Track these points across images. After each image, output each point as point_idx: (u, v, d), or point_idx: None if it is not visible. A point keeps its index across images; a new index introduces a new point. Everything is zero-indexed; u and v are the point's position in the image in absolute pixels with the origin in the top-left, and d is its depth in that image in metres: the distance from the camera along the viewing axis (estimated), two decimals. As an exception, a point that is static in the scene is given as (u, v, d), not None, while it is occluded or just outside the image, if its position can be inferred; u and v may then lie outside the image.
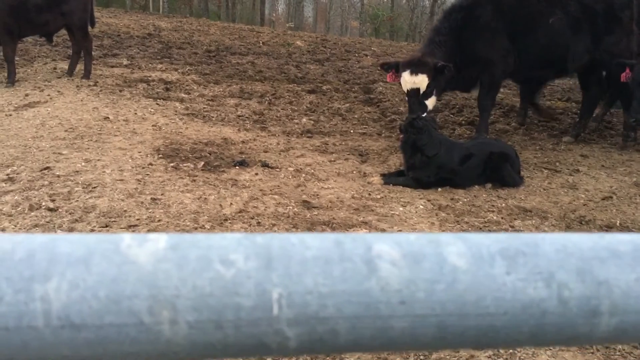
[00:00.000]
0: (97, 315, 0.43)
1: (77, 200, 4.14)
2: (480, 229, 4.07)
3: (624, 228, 4.17)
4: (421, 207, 4.45)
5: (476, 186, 4.94)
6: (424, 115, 5.49)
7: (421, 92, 5.70)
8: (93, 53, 9.49)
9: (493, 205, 4.52)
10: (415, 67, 5.67)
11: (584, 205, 4.61)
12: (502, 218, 4.28)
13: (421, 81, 5.65)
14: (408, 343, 0.48)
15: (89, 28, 8.15)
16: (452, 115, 7.53)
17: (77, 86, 7.46)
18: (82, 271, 0.43)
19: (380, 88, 8.64)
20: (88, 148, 5.23)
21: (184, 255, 0.46)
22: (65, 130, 5.70)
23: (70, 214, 3.94)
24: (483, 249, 0.50)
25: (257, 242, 0.47)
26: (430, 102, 5.82)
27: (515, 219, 4.26)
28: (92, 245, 0.45)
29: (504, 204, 4.56)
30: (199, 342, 0.45)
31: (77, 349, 0.43)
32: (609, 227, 4.18)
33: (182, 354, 0.45)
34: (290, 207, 4.27)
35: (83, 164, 4.83)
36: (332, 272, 0.47)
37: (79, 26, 7.92)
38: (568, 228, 4.16)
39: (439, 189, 4.85)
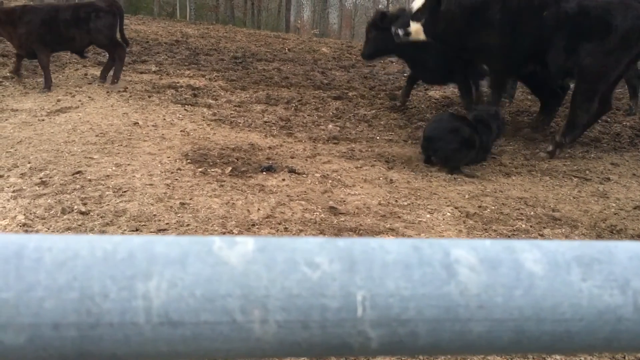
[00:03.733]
0: (194, 313, 0.45)
1: (108, 204, 4.21)
2: (509, 237, 4.03)
3: (658, 238, 4.09)
4: (448, 214, 4.42)
5: (504, 191, 4.90)
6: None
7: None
8: (123, 59, 9.65)
9: (522, 214, 4.48)
10: None
11: (615, 214, 4.53)
12: (530, 226, 4.23)
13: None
14: (485, 347, 0.49)
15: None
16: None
17: (107, 92, 7.60)
18: (179, 271, 0.45)
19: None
20: (118, 153, 5.33)
21: (272, 257, 0.47)
22: (96, 135, 5.81)
23: (101, 217, 4.01)
24: (558, 256, 0.51)
25: (339, 246, 0.49)
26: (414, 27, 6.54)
27: (544, 228, 4.21)
28: (186, 246, 0.47)
29: (532, 212, 4.51)
30: (287, 341, 0.46)
31: (174, 345, 0.45)
32: (641, 237, 4.11)
33: (270, 352, 0.46)
34: (317, 213, 4.29)
35: (113, 168, 4.91)
36: (412, 276, 0.48)
37: (105, 44, 8.10)
38: (599, 237, 4.09)
39: (467, 196, 4.82)
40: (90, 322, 0.43)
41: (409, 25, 6.61)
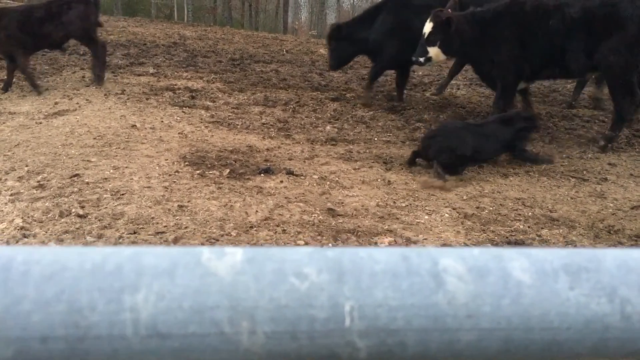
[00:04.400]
0: (182, 325, 0.45)
1: (106, 207, 4.21)
2: (507, 237, 4.04)
3: (655, 238, 4.10)
4: (446, 215, 4.42)
5: (502, 191, 4.90)
6: None
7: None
8: (120, 62, 9.65)
9: (519, 214, 4.48)
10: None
11: (613, 214, 4.54)
12: (528, 227, 4.23)
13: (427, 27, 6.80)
14: (474, 356, 0.49)
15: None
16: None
17: (105, 94, 7.60)
18: (168, 282, 0.45)
19: (404, 96, 8.63)
20: (116, 155, 5.32)
21: (260, 268, 0.47)
22: (94, 138, 5.80)
23: (99, 220, 4.01)
24: (546, 265, 0.51)
25: (328, 256, 0.49)
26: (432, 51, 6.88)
27: (542, 228, 4.21)
28: (175, 257, 0.47)
29: (530, 213, 4.51)
30: (275, 352, 0.46)
31: (162, 357, 0.45)
32: (638, 237, 4.11)
33: (258, 363, 0.47)
34: (316, 215, 4.29)
35: (111, 171, 4.91)
36: (400, 286, 0.48)
37: (81, 35, 7.99)
38: (597, 238, 4.10)
39: (465, 197, 4.82)
40: (78, 335, 0.43)
41: (427, 51, 6.94)
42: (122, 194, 4.45)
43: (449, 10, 6.88)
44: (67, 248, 0.47)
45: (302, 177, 5.12)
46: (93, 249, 0.47)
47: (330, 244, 3.86)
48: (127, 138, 5.86)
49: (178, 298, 0.45)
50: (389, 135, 6.79)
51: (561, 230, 4.17)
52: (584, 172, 5.65)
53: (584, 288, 0.50)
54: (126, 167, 5.00)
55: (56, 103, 7.11)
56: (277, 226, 4.07)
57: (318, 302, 0.47)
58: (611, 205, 4.73)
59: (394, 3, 8.04)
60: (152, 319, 0.44)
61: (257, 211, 4.30)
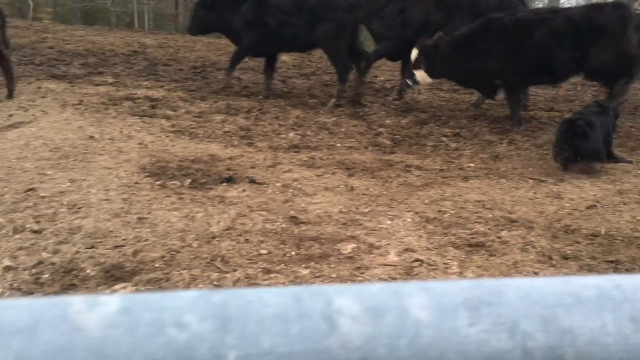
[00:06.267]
0: None
1: (62, 222, 4.10)
2: (468, 240, 4.08)
3: (609, 236, 4.20)
4: (409, 220, 4.45)
5: (466, 195, 4.96)
6: None
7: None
8: (78, 71, 9.45)
9: (480, 217, 4.54)
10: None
11: (569, 214, 4.63)
12: (489, 229, 4.29)
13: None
14: (369, 401, 0.47)
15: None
16: (437, 127, 7.57)
17: (62, 105, 7.41)
18: (27, 341, 0.42)
19: (367, 101, 8.67)
20: (73, 168, 5.19)
21: (136, 318, 0.44)
22: (50, 150, 5.65)
23: (55, 235, 3.90)
24: (446, 300, 0.49)
25: (213, 301, 0.46)
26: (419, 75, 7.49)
27: (502, 230, 4.27)
28: (39, 311, 0.43)
29: (490, 215, 4.57)
30: None
31: None
32: (594, 236, 4.21)
33: None
34: (278, 223, 4.26)
35: (68, 184, 4.79)
36: (290, 331, 0.45)
37: None
38: (554, 237, 4.17)
39: (426, 201, 4.86)
40: None
41: (413, 74, 7.60)
42: (79, 208, 4.34)
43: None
44: None
45: (264, 185, 5.09)
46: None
47: (293, 252, 3.84)
48: (85, 150, 5.72)
49: (38, 358, 0.42)
50: (352, 141, 6.81)
51: (520, 232, 4.24)
52: (541, 173, 5.76)
53: (485, 323, 0.48)
54: (83, 180, 4.89)
55: (10, 115, 6.90)
56: (240, 236, 4.03)
57: (198, 354, 0.44)
58: (567, 205, 4.83)
59: None
60: (10, 383, 0.41)
61: (219, 221, 4.25)
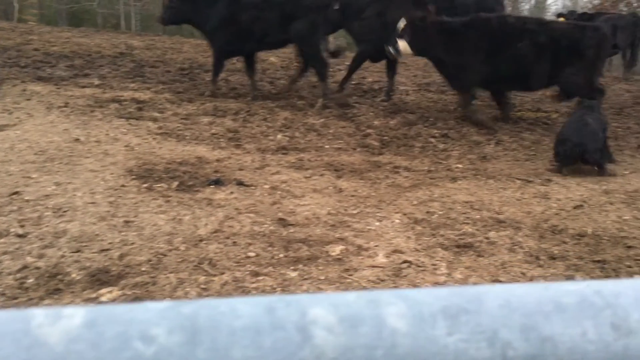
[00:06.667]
0: None
1: (47, 225, 4.05)
2: (456, 241, 4.09)
3: (596, 236, 4.22)
4: (397, 221, 4.45)
5: (453, 196, 4.97)
6: None
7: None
8: (64, 73, 9.37)
9: (468, 217, 4.55)
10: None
11: (556, 214, 4.66)
12: (477, 230, 4.30)
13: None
14: (344, 414, 0.45)
15: None
16: (425, 128, 7.58)
17: (47, 108, 7.34)
18: None
19: (355, 103, 8.68)
20: (58, 171, 5.14)
21: (100, 332, 0.42)
22: (35, 154, 5.58)
23: (40, 239, 3.86)
24: (424, 308, 0.48)
25: (182, 312, 0.44)
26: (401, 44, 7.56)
27: (490, 230, 4.28)
28: (1, 325, 0.41)
29: (478, 216, 4.58)
30: None
31: None
32: (581, 236, 4.23)
33: None
34: (266, 226, 4.24)
35: (53, 187, 4.73)
36: (263, 343, 0.44)
37: None
38: (541, 238, 4.19)
39: (415, 203, 4.86)
40: None
41: (396, 43, 7.64)
42: (65, 211, 4.30)
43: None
44: None
45: (252, 187, 5.06)
46: None
47: (281, 254, 3.82)
48: (71, 152, 5.66)
49: (-4, 375, 0.40)
50: (340, 143, 6.80)
51: (508, 232, 4.25)
52: (529, 174, 5.79)
53: (463, 332, 0.47)
54: (69, 183, 4.83)
55: (-5, 118, 6.81)
56: (227, 238, 4.01)
57: (166, 369, 0.42)
58: (554, 205, 4.86)
59: None
60: (-35, 402, 0.39)
61: (206, 224, 4.23)
